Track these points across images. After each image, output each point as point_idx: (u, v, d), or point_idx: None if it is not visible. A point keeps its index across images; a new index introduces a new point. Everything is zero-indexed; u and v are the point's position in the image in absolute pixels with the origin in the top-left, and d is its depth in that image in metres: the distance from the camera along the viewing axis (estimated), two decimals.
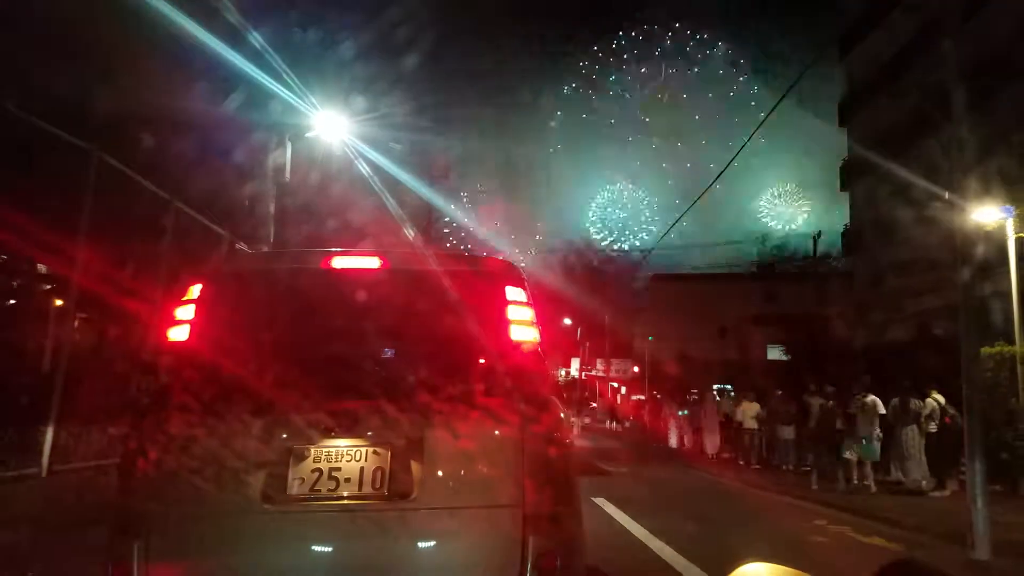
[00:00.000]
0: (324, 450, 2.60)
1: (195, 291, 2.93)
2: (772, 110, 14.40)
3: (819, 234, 37.53)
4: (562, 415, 2.96)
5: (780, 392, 17.58)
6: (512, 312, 2.96)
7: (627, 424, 39.30)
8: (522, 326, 2.95)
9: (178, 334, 2.86)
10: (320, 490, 2.56)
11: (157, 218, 9.12)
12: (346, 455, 2.60)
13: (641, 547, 6.66)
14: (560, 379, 46.83)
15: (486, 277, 3.08)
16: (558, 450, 2.76)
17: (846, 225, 35.40)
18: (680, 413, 24.62)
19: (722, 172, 17.29)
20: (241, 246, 11.09)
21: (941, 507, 10.31)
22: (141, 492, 2.57)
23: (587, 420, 39.97)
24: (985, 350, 11.68)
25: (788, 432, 16.40)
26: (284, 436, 2.61)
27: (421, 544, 2.59)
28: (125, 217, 9.29)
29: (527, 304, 3.01)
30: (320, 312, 2.99)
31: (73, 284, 7.73)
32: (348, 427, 2.60)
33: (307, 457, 2.59)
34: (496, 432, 2.71)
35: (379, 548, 2.54)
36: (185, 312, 2.88)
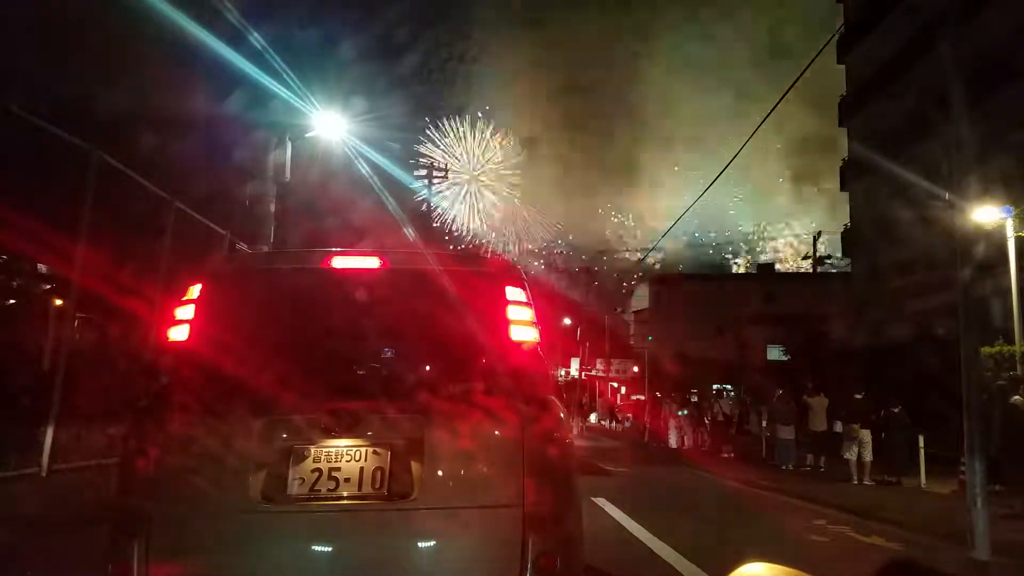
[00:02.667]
0: (324, 450, 2.59)
1: (195, 291, 2.93)
2: (772, 108, 14.35)
3: (819, 234, 37.58)
4: (562, 415, 2.95)
5: (781, 392, 17.58)
6: (512, 312, 2.96)
7: (627, 424, 39.30)
8: (522, 326, 2.94)
9: (178, 334, 2.86)
10: (320, 490, 2.55)
11: (157, 218, 9.11)
12: (346, 455, 2.59)
13: (641, 547, 6.64)
14: (560, 379, 46.81)
15: (486, 277, 3.08)
16: (558, 450, 2.76)
17: (846, 225, 35.39)
18: (680, 413, 24.61)
19: (722, 171, 17.26)
20: (241, 246, 11.07)
21: (942, 507, 10.31)
22: (141, 492, 2.57)
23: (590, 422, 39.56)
24: (985, 349, 11.69)
25: (788, 432, 16.40)
26: (284, 436, 2.60)
27: (421, 544, 2.59)
28: (124, 216, 9.28)
29: (527, 304, 3.01)
30: (320, 312, 2.99)
31: (73, 283, 7.72)
32: (348, 427, 2.58)
33: (307, 457, 2.59)
34: (496, 432, 2.70)
35: (379, 548, 2.54)
36: (185, 312, 2.88)
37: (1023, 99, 20.27)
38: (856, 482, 13.33)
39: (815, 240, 37.61)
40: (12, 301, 9.53)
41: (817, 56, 13.21)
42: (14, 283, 9.42)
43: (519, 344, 2.91)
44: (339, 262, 3.05)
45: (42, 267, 9.02)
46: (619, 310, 47.97)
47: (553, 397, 3.01)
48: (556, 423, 2.83)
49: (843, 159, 34.82)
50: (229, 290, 3.02)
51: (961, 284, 7.08)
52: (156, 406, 2.76)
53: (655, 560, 6.12)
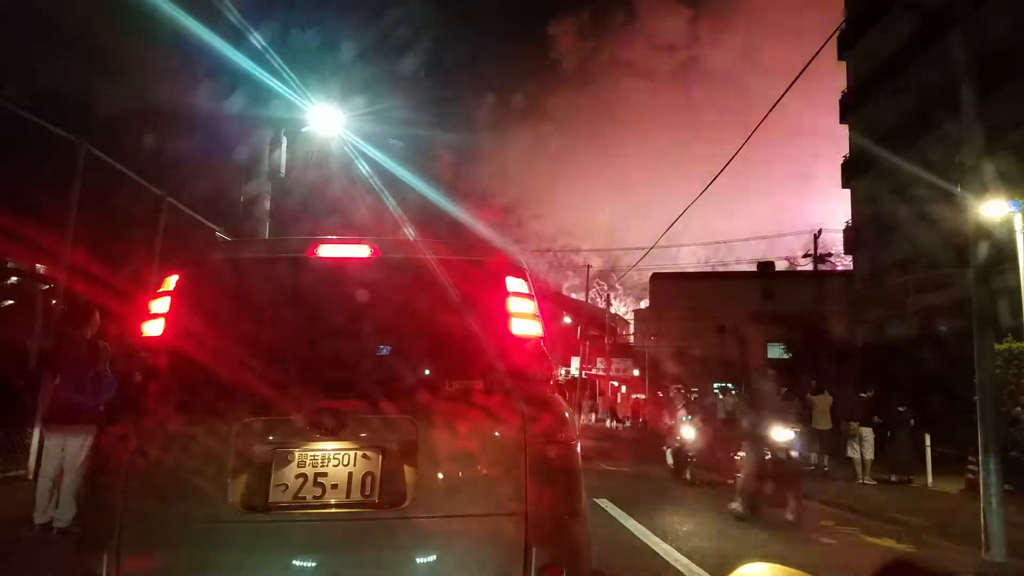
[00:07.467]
0: (309, 453, 2.40)
1: (171, 283, 2.72)
2: (773, 107, 14.20)
3: (819, 232, 37.42)
4: (567, 414, 2.75)
5: (784, 390, 17.40)
6: (513, 304, 2.76)
7: (627, 423, 39.23)
8: (524, 319, 2.75)
9: (152, 329, 2.65)
10: (305, 497, 2.35)
11: (148, 215, 8.94)
12: (333, 459, 2.40)
13: (646, 550, 6.48)
14: (560, 378, 46.58)
15: (485, 267, 2.87)
16: (563, 452, 2.57)
17: (847, 223, 35.21)
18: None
19: (722, 169, 17.17)
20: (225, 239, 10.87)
21: (951, 506, 10.13)
22: (111, 501, 2.37)
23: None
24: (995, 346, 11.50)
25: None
26: (265, 438, 2.41)
27: (415, 556, 2.39)
28: (117, 215, 9.10)
29: (529, 296, 2.81)
30: (306, 304, 2.79)
31: (60, 284, 7.56)
32: (335, 428, 2.38)
33: (291, 461, 2.39)
34: (496, 433, 2.52)
35: (369, 561, 2.34)
36: (160, 305, 2.68)
37: (1020, 97, 20.09)
38: (859, 481, 13.18)
39: (815, 238, 37.44)
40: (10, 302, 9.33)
41: (817, 54, 13.08)
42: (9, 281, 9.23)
43: (520, 339, 2.71)
44: (326, 250, 2.84)
45: (40, 267, 8.83)
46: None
47: (557, 395, 2.81)
48: (560, 423, 2.63)
49: (844, 156, 34.65)
50: (207, 281, 2.82)
51: (975, 274, 6.84)
52: (127, 408, 2.56)
53: (661, 564, 5.96)
